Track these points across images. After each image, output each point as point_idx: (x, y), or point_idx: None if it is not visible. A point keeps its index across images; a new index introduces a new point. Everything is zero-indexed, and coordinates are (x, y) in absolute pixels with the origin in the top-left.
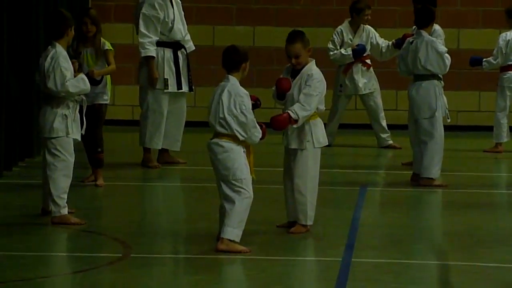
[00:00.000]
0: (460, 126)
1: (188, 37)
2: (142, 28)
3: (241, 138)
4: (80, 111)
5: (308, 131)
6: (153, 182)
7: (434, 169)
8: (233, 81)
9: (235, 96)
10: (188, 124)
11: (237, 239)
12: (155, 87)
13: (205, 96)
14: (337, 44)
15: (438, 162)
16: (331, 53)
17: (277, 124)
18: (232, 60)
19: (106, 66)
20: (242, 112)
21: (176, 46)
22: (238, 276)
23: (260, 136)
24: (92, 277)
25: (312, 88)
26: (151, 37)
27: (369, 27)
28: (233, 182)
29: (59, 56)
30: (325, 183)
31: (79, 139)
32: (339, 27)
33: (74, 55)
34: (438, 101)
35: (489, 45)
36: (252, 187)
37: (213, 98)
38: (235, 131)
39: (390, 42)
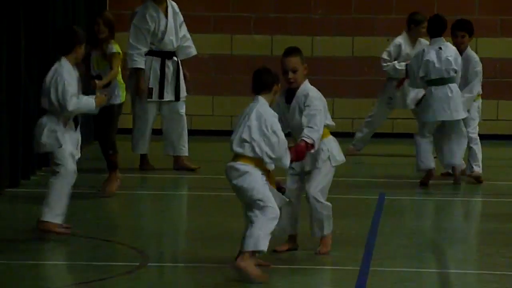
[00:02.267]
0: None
1: (189, 42)
2: (131, 40)
3: (268, 161)
4: (76, 125)
5: (325, 151)
6: (168, 191)
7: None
8: (262, 102)
9: (266, 116)
10: (206, 132)
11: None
12: (141, 97)
13: (223, 104)
14: (392, 56)
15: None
16: (384, 64)
17: (297, 155)
18: (264, 81)
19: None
20: (274, 132)
21: (165, 55)
22: (257, 285)
23: (290, 158)
24: (109, 286)
25: (312, 107)
26: (140, 49)
27: (425, 40)
28: (257, 201)
29: (63, 70)
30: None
31: (78, 155)
32: (398, 39)
33: (83, 57)
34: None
35: (507, 54)
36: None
37: (239, 119)
38: (264, 153)
39: None
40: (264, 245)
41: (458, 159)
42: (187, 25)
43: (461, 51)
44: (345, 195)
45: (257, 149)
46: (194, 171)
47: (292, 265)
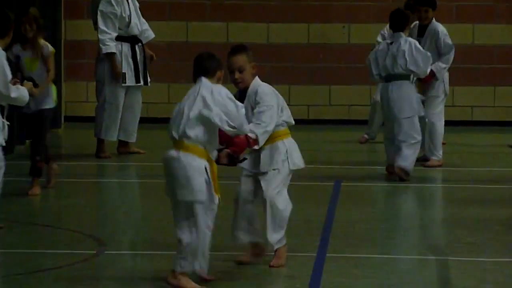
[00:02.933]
0: (475, 121)
1: (146, 26)
2: (101, 25)
3: (229, 130)
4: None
5: (283, 151)
6: (126, 179)
7: (411, 165)
8: (205, 81)
9: (215, 87)
10: (162, 120)
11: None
12: (119, 81)
13: (180, 92)
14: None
15: (414, 160)
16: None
17: (235, 148)
18: (206, 66)
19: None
20: (230, 99)
21: (133, 40)
22: (212, 272)
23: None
24: (67, 274)
25: (262, 104)
26: (110, 33)
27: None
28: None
29: (1, 56)
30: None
31: (3, 144)
32: None
33: (12, 59)
34: (418, 100)
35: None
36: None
37: (180, 105)
38: (224, 122)
39: None
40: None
41: (407, 163)
42: (142, 12)
43: (425, 26)
44: (301, 182)
45: (217, 119)
46: (140, 155)
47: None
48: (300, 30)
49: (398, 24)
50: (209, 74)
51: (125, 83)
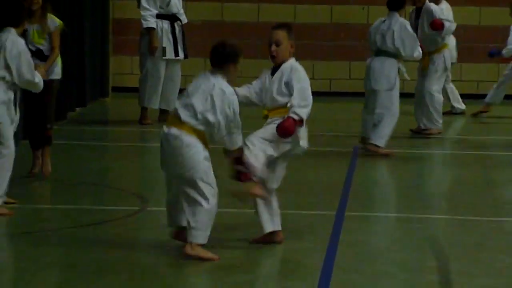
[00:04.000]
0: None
1: (182, 11)
2: (143, 3)
3: (220, 138)
4: (15, 101)
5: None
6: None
7: (384, 139)
8: (219, 82)
9: (227, 97)
10: None
11: (205, 241)
12: (154, 55)
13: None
14: None
15: (388, 134)
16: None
17: (284, 131)
18: (219, 59)
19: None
20: (234, 112)
21: (172, 18)
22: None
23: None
24: (112, 228)
25: (302, 80)
26: (151, 10)
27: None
28: (199, 184)
29: (21, 42)
30: None
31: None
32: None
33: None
34: (397, 78)
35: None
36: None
37: (190, 90)
38: (221, 133)
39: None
40: (204, 240)
41: (378, 139)
42: None
43: (420, 8)
44: (322, 148)
45: (215, 127)
46: None
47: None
48: (323, 11)
49: (393, 3)
50: (222, 67)
51: (165, 56)
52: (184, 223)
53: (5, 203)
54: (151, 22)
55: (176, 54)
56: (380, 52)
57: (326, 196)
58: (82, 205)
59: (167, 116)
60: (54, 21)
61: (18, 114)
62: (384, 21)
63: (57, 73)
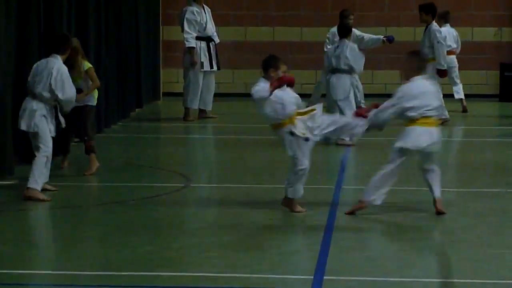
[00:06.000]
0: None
1: (215, 33)
2: (186, 28)
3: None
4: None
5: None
6: (198, 135)
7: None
8: (262, 83)
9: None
10: (228, 95)
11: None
12: (194, 68)
13: (240, 75)
14: (331, 41)
15: None
16: (325, 49)
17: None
18: (263, 65)
19: (90, 82)
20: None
21: (208, 39)
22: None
23: None
24: (162, 200)
25: None
26: (192, 34)
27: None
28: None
29: (62, 65)
30: None
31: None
32: (332, 29)
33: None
34: (351, 89)
35: None
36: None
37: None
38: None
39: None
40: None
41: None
42: (215, 21)
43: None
44: None
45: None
46: (214, 119)
47: (271, 184)
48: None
49: (342, 32)
50: (265, 72)
51: (203, 69)
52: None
53: (46, 190)
54: (192, 43)
55: (211, 67)
56: (336, 70)
57: (326, 173)
58: (139, 182)
59: (204, 113)
60: (84, 64)
61: (55, 125)
62: (337, 46)
63: (91, 100)
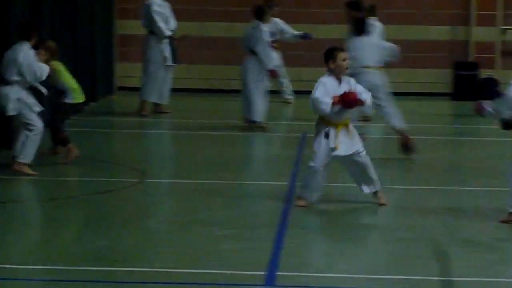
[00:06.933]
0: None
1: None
2: (157, 19)
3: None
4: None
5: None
6: (155, 130)
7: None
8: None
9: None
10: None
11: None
12: (165, 63)
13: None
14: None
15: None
16: None
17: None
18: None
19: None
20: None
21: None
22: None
23: None
24: (115, 196)
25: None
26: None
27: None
28: None
29: (31, 51)
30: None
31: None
32: None
33: None
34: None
35: None
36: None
37: None
38: None
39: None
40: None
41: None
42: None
43: None
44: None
45: None
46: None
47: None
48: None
49: (257, 15)
50: (326, 65)
51: (167, 63)
52: None
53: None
54: (168, 32)
55: (174, 61)
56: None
57: (280, 167)
58: (94, 177)
59: (159, 107)
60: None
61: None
62: (252, 28)
63: (69, 98)
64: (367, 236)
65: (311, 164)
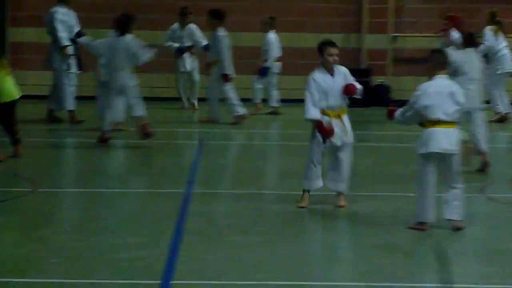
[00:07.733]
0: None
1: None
2: (60, 28)
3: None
4: None
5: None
6: (48, 138)
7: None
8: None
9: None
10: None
11: None
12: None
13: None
14: (172, 37)
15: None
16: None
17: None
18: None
19: None
20: None
21: (74, 41)
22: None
23: None
24: (8, 206)
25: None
26: (66, 34)
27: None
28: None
29: None
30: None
31: None
32: (174, 25)
33: None
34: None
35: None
36: None
37: None
38: None
39: None
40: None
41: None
42: None
43: None
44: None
45: None
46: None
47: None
48: None
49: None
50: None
51: (71, 70)
52: None
53: None
54: (67, 42)
55: (77, 69)
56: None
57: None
58: None
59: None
60: None
61: None
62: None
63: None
64: (263, 242)
65: (308, 156)
